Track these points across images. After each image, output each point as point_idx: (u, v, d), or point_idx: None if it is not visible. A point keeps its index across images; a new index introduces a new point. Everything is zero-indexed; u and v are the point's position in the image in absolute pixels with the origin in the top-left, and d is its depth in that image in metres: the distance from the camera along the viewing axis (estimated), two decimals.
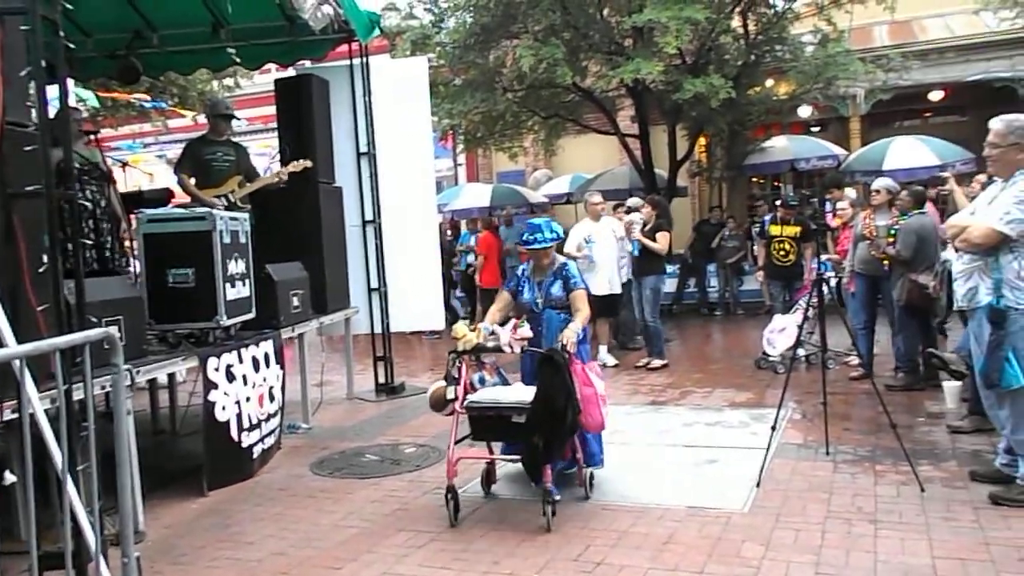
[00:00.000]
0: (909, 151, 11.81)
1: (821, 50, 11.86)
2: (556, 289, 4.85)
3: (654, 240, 8.41)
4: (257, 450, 5.46)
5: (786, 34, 12.32)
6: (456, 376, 4.48)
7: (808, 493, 4.50)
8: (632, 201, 9.52)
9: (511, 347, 4.50)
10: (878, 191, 7.19)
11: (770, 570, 3.56)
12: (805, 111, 13.70)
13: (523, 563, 3.76)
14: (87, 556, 2.91)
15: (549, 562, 3.75)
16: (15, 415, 2.81)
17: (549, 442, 4.13)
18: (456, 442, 4.39)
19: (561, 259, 4.96)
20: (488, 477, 4.75)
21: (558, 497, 4.24)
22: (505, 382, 4.72)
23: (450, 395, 4.42)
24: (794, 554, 3.71)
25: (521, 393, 4.39)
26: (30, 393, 2.79)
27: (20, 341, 2.93)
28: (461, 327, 4.56)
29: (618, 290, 8.69)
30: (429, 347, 11.47)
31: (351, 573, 3.76)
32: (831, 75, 11.69)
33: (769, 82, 13.08)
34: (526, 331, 4.56)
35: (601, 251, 8.60)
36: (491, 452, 4.72)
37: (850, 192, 7.93)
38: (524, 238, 4.91)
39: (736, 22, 12.14)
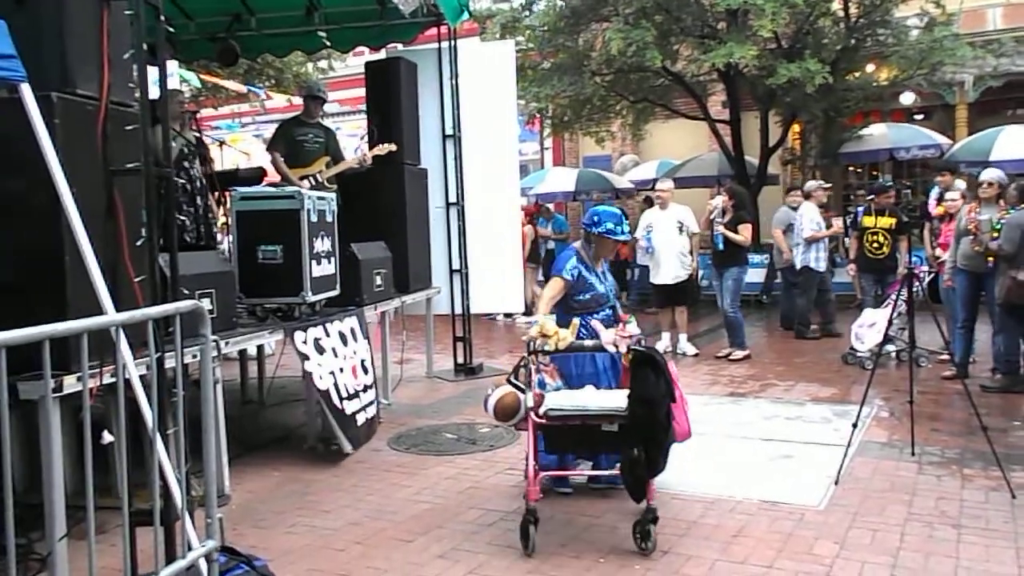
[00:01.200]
0: (1020, 141, 11.15)
1: (927, 34, 11.30)
2: (612, 281, 4.68)
3: (735, 232, 8.25)
4: (361, 418, 5.63)
5: (890, 17, 11.77)
6: (528, 381, 3.92)
7: (889, 493, 4.37)
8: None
9: (616, 346, 3.99)
10: (989, 183, 6.84)
11: (843, 569, 3.48)
12: (907, 98, 13.10)
13: (588, 547, 3.79)
14: (174, 515, 3.07)
15: (615, 548, 3.76)
16: (113, 379, 2.98)
17: (651, 453, 3.69)
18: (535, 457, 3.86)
19: None
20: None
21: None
22: (567, 385, 4.24)
23: (530, 402, 3.83)
24: (869, 555, 3.61)
25: (610, 398, 3.92)
26: (126, 359, 2.96)
27: (118, 310, 3.11)
28: (551, 323, 4.03)
29: (683, 277, 8.58)
30: (506, 329, 11.55)
31: (422, 547, 3.86)
32: (937, 60, 11.13)
33: (870, 67, 12.55)
34: (633, 327, 4.11)
35: (661, 240, 8.52)
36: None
37: (960, 183, 7.55)
38: (610, 227, 4.42)
39: (836, 4, 11.68)
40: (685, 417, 3.98)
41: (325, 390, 5.27)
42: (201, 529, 3.09)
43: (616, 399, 3.85)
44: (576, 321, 4.18)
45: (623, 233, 4.48)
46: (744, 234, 8.28)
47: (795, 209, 9.53)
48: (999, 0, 12.68)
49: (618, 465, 3.86)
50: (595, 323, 4.28)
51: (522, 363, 3.98)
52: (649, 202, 10.18)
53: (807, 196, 9.41)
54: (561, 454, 4.25)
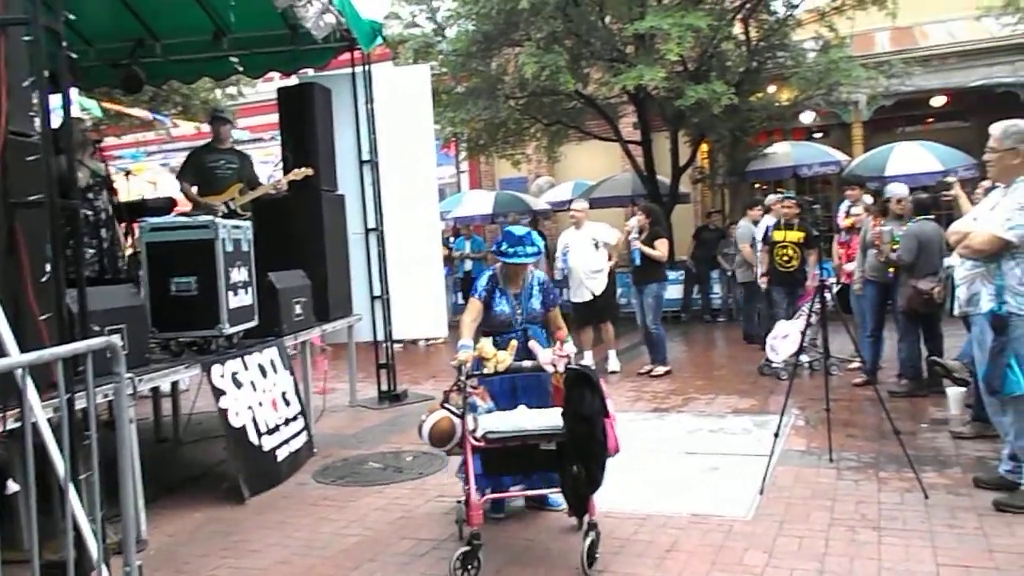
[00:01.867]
0: (912, 157, 11.80)
1: (823, 56, 11.87)
2: (536, 303, 4.48)
3: (653, 247, 8.42)
4: (282, 454, 5.46)
5: (788, 40, 12.35)
6: (463, 404, 3.85)
7: (812, 500, 4.49)
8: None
9: (554, 366, 4.00)
10: (899, 199, 7.13)
11: None
12: (807, 117, 13.69)
13: (524, 570, 3.76)
14: (89, 565, 2.91)
15: (551, 570, 3.75)
16: (18, 424, 2.81)
17: (591, 469, 3.69)
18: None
19: (535, 272, 4.58)
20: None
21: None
22: (498, 407, 4.18)
23: (471, 425, 3.79)
24: (798, 561, 3.70)
25: (544, 418, 3.90)
26: (32, 402, 2.80)
27: (23, 350, 2.94)
28: (489, 345, 4.08)
29: (598, 293, 8.68)
30: (430, 355, 11.47)
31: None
32: (833, 81, 11.70)
33: (771, 88, 13.09)
34: (569, 347, 4.09)
35: (577, 260, 8.62)
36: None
37: (866, 198, 7.90)
38: (503, 249, 4.38)
39: (738, 28, 12.18)
40: (614, 432, 3.92)
41: (240, 427, 5.11)
42: None
43: (550, 418, 3.85)
44: (514, 343, 4.20)
45: (517, 256, 4.33)
46: (661, 249, 8.45)
47: (756, 224, 9.66)
48: (886, 24, 13.41)
49: (558, 483, 3.88)
50: (533, 344, 4.29)
51: (455, 387, 3.93)
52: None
53: (767, 210, 9.50)
54: (498, 476, 4.18)
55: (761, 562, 3.72)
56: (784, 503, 4.46)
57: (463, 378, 3.88)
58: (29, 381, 2.78)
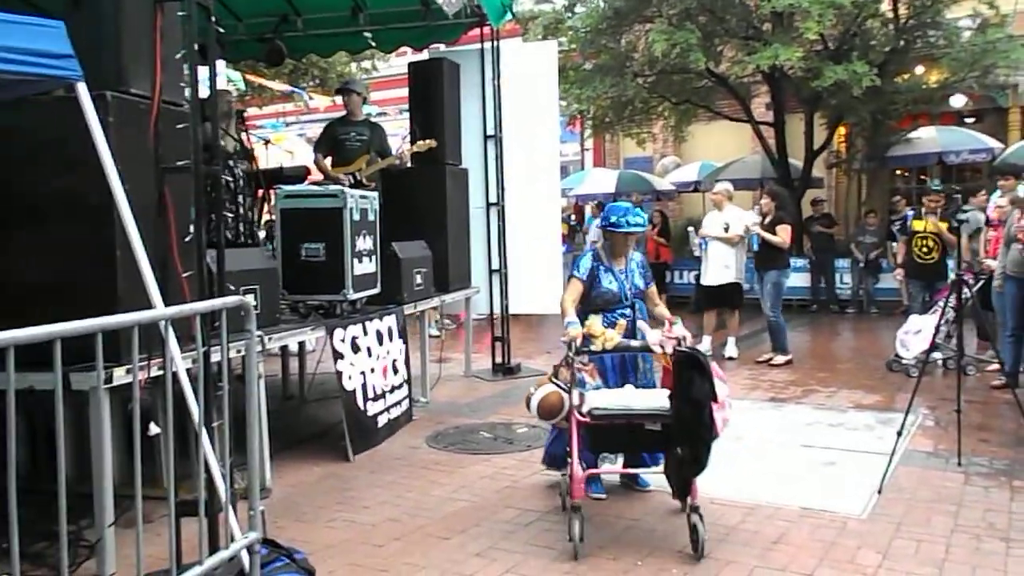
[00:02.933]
0: None
1: (980, 36, 11.06)
2: (639, 279, 4.48)
3: (774, 233, 8.15)
4: (382, 419, 5.69)
5: (941, 18, 11.53)
6: (570, 380, 3.92)
7: (934, 504, 4.28)
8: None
9: (662, 347, 3.97)
10: None
11: None
12: (958, 101, 12.80)
13: (625, 549, 3.77)
14: (218, 506, 3.13)
15: (653, 551, 3.74)
16: (160, 372, 3.05)
17: (697, 452, 3.69)
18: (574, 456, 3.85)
19: (634, 251, 4.57)
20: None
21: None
22: (606, 384, 4.28)
23: (576, 401, 3.83)
24: (914, 566, 3.55)
25: (652, 398, 3.94)
26: (173, 352, 3.02)
27: (167, 304, 3.17)
28: (598, 324, 4.10)
29: (730, 280, 8.52)
30: (545, 329, 11.54)
31: (460, 544, 3.87)
32: (990, 62, 10.88)
33: (919, 69, 12.30)
34: (679, 329, 4.02)
35: (710, 242, 8.57)
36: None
37: (1022, 188, 7.34)
38: (612, 220, 4.41)
39: (885, 5, 11.48)
40: (721, 416, 3.87)
41: (351, 391, 5.34)
42: (244, 521, 3.15)
43: (658, 399, 3.87)
44: (623, 322, 4.25)
45: (628, 224, 4.36)
46: (782, 235, 8.16)
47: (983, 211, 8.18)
48: None
49: (663, 465, 3.93)
50: (642, 324, 4.31)
51: (564, 363, 4.00)
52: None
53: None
54: (602, 453, 4.25)
55: (874, 562, 3.58)
56: (904, 504, 4.27)
57: (572, 354, 3.92)
58: (171, 333, 3.00)
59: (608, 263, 4.45)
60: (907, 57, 11.79)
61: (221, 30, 4.11)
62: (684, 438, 3.71)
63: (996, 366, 7.02)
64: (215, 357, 3.25)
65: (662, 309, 4.52)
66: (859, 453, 5.20)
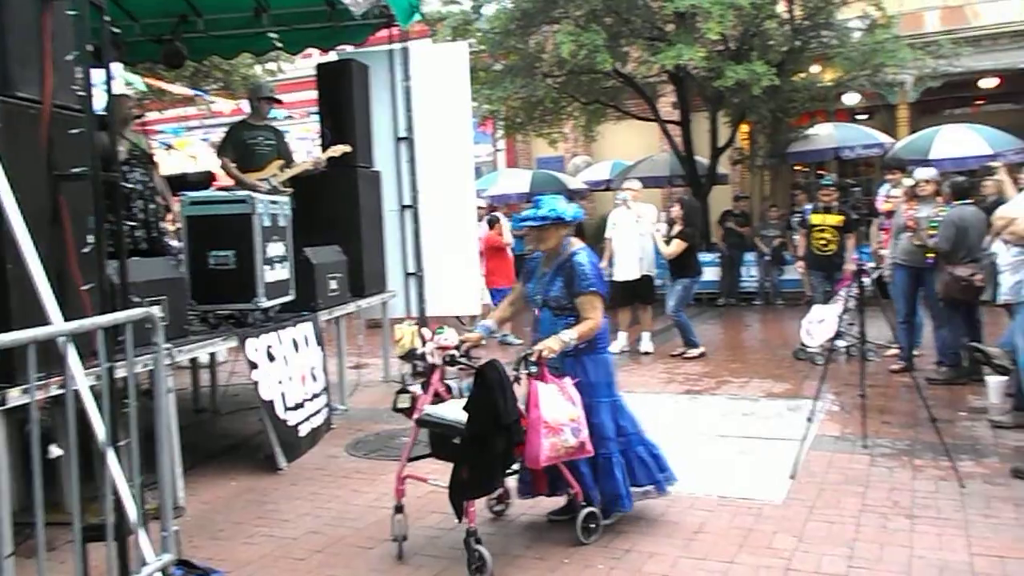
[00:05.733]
0: (958, 140, 11.49)
1: (869, 36, 11.60)
2: (556, 286, 3.94)
3: (668, 244, 8.44)
4: (304, 429, 5.56)
5: (833, 19, 12.05)
6: (411, 382, 3.89)
7: (843, 486, 4.46)
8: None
9: (431, 357, 3.78)
10: (926, 181, 7.04)
11: (802, 562, 3.54)
12: (851, 98, 13.41)
13: (553, 547, 3.78)
14: (128, 528, 2.99)
15: (579, 548, 3.76)
16: (61, 390, 2.90)
17: (474, 474, 3.48)
18: (413, 459, 3.83)
19: (573, 248, 4.00)
20: (499, 497, 4.21)
21: (482, 552, 3.48)
22: None
23: (401, 403, 3.84)
24: (827, 547, 3.68)
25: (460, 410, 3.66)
26: (74, 369, 2.87)
27: (66, 319, 3.02)
28: (404, 328, 4.06)
29: (636, 276, 8.72)
30: (466, 331, 11.51)
31: (384, 552, 3.82)
32: (879, 62, 11.43)
33: (815, 68, 12.82)
34: (447, 338, 3.80)
35: (620, 237, 8.74)
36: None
37: (907, 181, 7.75)
38: (523, 215, 4.13)
39: (781, 7, 11.91)
40: (537, 438, 3.54)
41: (270, 400, 5.20)
42: (156, 543, 3.02)
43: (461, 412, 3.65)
44: (411, 329, 4.14)
45: (527, 220, 4.01)
46: (673, 247, 8.40)
47: None
48: (936, 3, 13.07)
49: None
50: (424, 331, 4.17)
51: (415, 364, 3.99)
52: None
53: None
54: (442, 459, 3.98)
55: (790, 546, 3.70)
56: (815, 488, 4.43)
57: (403, 357, 3.91)
58: (71, 349, 2.85)
59: (541, 265, 4.13)
60: (803, 57, 12.26)
61: (116, 31, 3.91)
62: (467, 455, 3.52)
63: (895, 351, 7.38)
64: (120, 373, 3.11)
65: (584, 323, 3.87)
66: (772, 440, 5.37)
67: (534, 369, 3.61)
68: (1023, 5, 13.02)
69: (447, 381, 3.95)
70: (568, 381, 3.76)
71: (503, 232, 10.03)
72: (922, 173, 7.23)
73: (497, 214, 10.07)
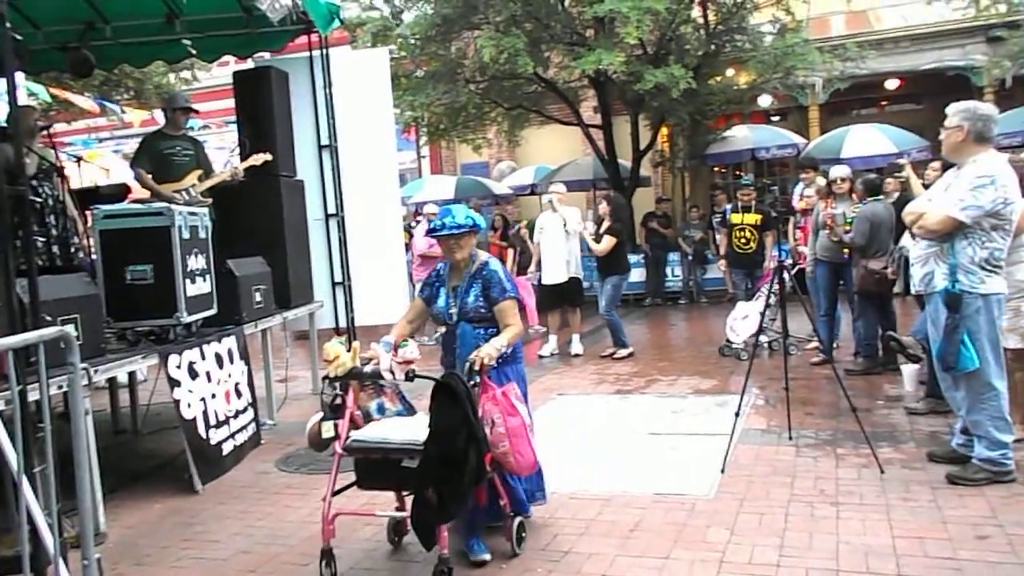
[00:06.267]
0: (866, 139, 12.01)
1: (780, 40, 12.03)
2: (473, 297, 3.82)
3: (598, 241, 8.52)
4: (228, 447, 5.40)
5: (745, 24, 12.46)
6: (336, 407, 3.62)
7: (772, 477, 4.57)
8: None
9: (392, 373, 3.59)
10: (842, 179, 7.30)
11: (735, 554, 3.61)
12: (765, 100, 13.85)
13: (492, 554, 3.76)
14: (46, 559, 2.85)
15: (516, 553, 3.75)
16: None
17: (444, 496, 3.27)
18: (336, 492, 3.55)
19: (483, 258, 3.92)
20: (398, 527, 3.93)
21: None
22: (411, 411, 3.86)
23: (327, 432, 3.54)
24: (759, 537, 3.77)
25: (418, 428, 3.46)
26: None
27: None
28: (334, 346, 3.65)
29: (564, 278, 8.77)
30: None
31: (318, 570, 3.72)
32: (790, 65, 11.86)
33: (730, 72, 13.22)
34: (410, 351, 3.65)
35: (548, 240, 8.81)
36: (403, 506, 3.83)
37: (820, 180, 8.03)
38: (433, 225, 3.89)
39: (696, 12, 12.23)
40: (528, 446, 3.51)
41: (191, 419, 5.05)
42: (77, 572, 2.88)
43: (417, 431, 3.44)
44: (356, 345, 3.76)
45: (444, 227, 3.79)
46: (605, 244, 8.51)
47: None
48: (841, 8, 13.61)
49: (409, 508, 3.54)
50: (375, 346, 3.75)
51: (324, 389, 3.67)
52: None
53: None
54: (370, 491, 3.85)
55: (723, 539, 3.78)
56: (745, 481, 4.53)
57: (325, 379, 3.63)
58: None
59: (447, 278, 3.96)
60: (718, 60, 12.62)
61: (18, 38, 3.74)
62: (431, 477, 3.29)
63: (815, 344, 7.62)
64: (33, 396, 2.96)
65: (509, 329, 3.79)
66: (701, 436, 5.48)
67: (477, 379, 3.48)
68: (921, 10, 13.67)
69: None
70: (512, 387, 3.65)
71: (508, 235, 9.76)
72: (838, 171, 7.49)
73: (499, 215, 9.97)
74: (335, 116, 7.69)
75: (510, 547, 3.72)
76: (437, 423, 3.32)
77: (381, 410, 3.74)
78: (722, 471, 4.68)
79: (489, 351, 3.56)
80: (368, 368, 3.67)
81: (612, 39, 10.87)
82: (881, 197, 6.99)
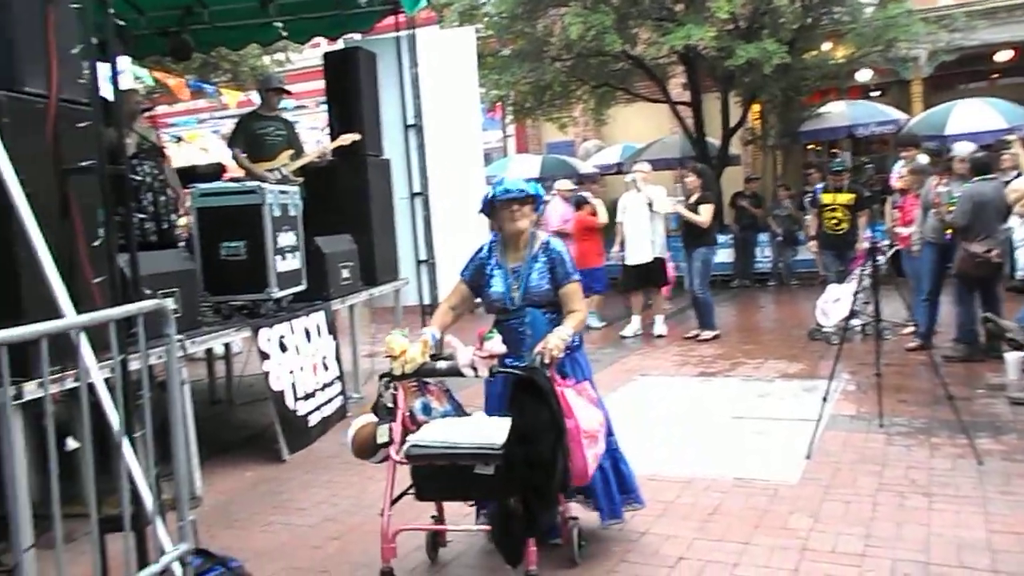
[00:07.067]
0: (973, 114, 11.37)
1: (881, 11, 11.47)
2: (538, 277, 3.43)
3: (696, 212, 8.30)
4: (314, 418, 5.58)
5: None
6: (389, 409, 3.22)
7: (860, 465, 4.43)
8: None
9: (475, 370, 3.16)
10: (961, 159, 6.87)
11: (818, 542, 3.52)
12: (864, 75, 13.27)
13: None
14: (145, 519, 3.01)
15: (595, 530, 3.76)
16: (76, 383, 2.91)
17: (531, 505, 2.93)
18: (393, 501, 3.19)
19: (544, 235, 3.55)
20: (435, 540, 3.57)
21: None
22: (459, 411, 3.46)
23: (382, 438, 3.16)
24: (843, 526, 3.66)
25: (487, 429, 3.11)
26: (88, 362, 2.88)
27: (78, 312, 3.03)
28: (398, 339, 3.24)
29: (649, 258, 8.64)
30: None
31: (400, 538, 3.81)
32: (891, 37, 11.30)
33: (826, 46, 12.68)
34: (496, 345, 3.18)
35: (631, 220, 8.70)
36: (442, 518, 3.52)
37: (922, 158, 7.62)
38: (493, 191, 3.49)
39: None
40: (580, 452, 3.14)
41: (280, 391, 5.24)
42: (173, 533, 3.03)
43: (496, 431, 3.06)
44: (427, 339, 3.32)
45: (502, 195, 3.43)
46: (704, 215, 8.31)
47: None
48: None
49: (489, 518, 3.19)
50: (450, 339, 3.39)
51: (382, 388, 3.27)
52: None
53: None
54: (433, 501, 3.42)
55: (806, 526, 3.69)
56: (831, 468, 4.40)
57: (384, 376, 3.26)
58: (84, 342, 2.86)
59: (502, 258, 3.54)
60: (815, 34, 12.13)
61: (122, 23, 3.90)
62: (514, 484, 2.93)
63: (911, 329, 7.31)
64: (134, 365, 3.12)
65: (575, 315, 3.44)
66: (787, 421, 5.35)
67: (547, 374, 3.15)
68: None
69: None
70: (587, 384, 3.43)
71: (597, 212, 9.43)
72: (961, 148, 7.05)
73: (584, 194, 9.78)
74: (421, 96, 7.77)
75: (571, 556, 3.38)
76: (525, 424, 2.97)
77: (427, 410, 3.37)
78: (807, 457, 4.56)
79: (557, 342, 3.19)
80: (441, 364, 3.27)
81: (702, 13, 10.59)
82: (991, 176, 6.60)
